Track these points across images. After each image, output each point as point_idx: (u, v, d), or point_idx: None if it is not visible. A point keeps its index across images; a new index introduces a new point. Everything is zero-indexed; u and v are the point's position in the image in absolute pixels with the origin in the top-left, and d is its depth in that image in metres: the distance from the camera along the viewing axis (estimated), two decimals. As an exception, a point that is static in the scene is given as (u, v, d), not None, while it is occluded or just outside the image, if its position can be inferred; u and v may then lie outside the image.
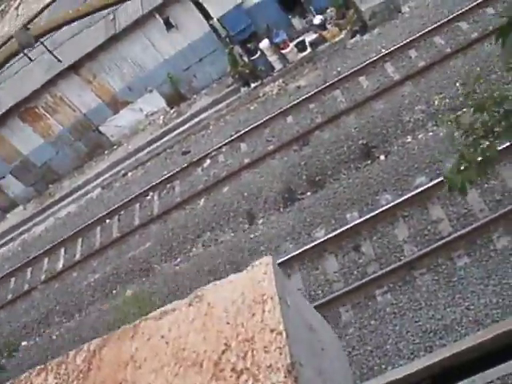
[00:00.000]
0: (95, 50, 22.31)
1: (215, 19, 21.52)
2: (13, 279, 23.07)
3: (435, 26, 18.88)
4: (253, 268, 1.68)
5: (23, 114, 23.94)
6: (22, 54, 9.79)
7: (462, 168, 6.62)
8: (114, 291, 18.84)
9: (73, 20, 5.88)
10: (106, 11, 21.19)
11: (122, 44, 22.33)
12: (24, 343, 19.77)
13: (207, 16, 21.65)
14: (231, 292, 1.64)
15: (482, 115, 6.85)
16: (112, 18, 22.47)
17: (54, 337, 19.04)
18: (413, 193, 14.28)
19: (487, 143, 6.69)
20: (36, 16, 5.87)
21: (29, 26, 5.16)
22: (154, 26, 22.01)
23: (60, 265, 21.73)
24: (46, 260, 22.54)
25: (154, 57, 23.03)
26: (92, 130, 24.90)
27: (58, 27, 5.40)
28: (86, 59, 22.60)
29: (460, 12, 18.74)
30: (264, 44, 21.32)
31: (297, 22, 22.31)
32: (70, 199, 24.94)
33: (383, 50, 19.43)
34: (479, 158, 6.59)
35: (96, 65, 23.07)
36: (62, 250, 22.29)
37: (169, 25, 21.95)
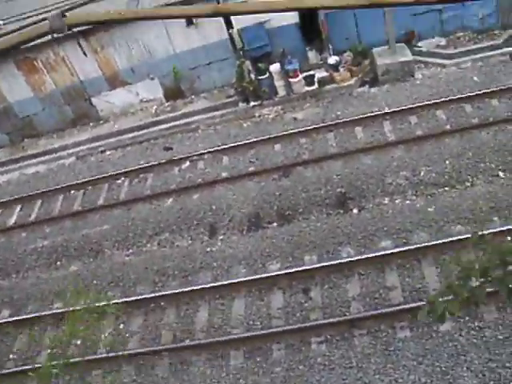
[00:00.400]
0: (111, 22, 22.13)
1: (235, 29, 21.56)
2: (-41, 220, 22.60)
3: (442, 100, 19.16)
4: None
5: (20, 62, 23.60)
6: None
7: (446, 298, 6.67)
8: (59, 263, 18.54)
9: (112, 21, 5.82)
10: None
11: (138, 25, 22.14)
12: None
13: (229, 24, 21.68)
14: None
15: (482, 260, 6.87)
16: (136, -2, 22.35)
17: (-17, 291, 18.67)
18: (375, 254, 14.38)
19: (478, 283, 6.71)
20: (77, 6, 5.82)
21: (66, 14, 5.10)
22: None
23: (12, 221, 21.33)
24: (-1, 211, 22.16)
25: (165, 47, 22.96)
26: (84, 98, 24.66)
27: (94, 23, 5.35)
28: (98, 29, 22.38)
29: (468, 95, 19.06)
30: (275, 67, 21.38)
31: (312, 56, 22.45)
32: (41, 159, 24.53)
33: (386, 108, 19.62)
34: (466, 295, 6.60)
35: (107, 37, 22.89)
36: (18, 207, 21.88)
37: (190, 21, 21.92)
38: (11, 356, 15.86)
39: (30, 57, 23.27)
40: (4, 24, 21.55)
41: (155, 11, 6.57)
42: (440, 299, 6.65)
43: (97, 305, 6.88)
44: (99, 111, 24.89)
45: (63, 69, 23.88)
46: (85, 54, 23.15)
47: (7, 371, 14.81)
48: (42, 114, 25.19)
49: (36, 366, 12.96)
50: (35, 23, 5.80)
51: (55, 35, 5.42)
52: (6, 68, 23.32)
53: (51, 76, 24.11)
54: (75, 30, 21.62)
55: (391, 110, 19.42)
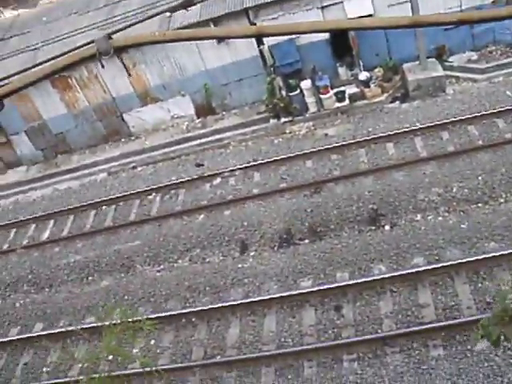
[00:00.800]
0: (154, 44, 22.34)
1: (266, 46, 21.66)
2: (-5, 235, 23.01)
3: (474, 115, 19.00)
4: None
5: (55, 80, 23.98)
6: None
7: (502, 321, 6.48)
8: (90, 278, 18.74)
9: (156, 42, 5.89)
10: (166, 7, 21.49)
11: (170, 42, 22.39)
12: (-14, 301, 19.67)
13: (259, 41, 21.80)
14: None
15: None
16: (169, 15, 22.62)
17: (18, 304, 18.91)
18: (407, 271, 14.26)
19: None
20: (122, 29, 5.94)
21: (112, 36, 5.21)
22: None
23: (45, 236, 21.65)
24: (32, 226, 22.46)
25: (196, 64, 23.17)
26: (116, 115, 24.97)
27: (139, 45, 5.45)
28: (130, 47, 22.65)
29: (500, 110, 18.89)
30: (306, 84, 21.42)
31: (343, 72, 22.45)
32: (74, 175, 24.91)
33: (417, 124, 19.52)
34: None
35: (139, 54, 23.18)
36: (52, 222, 22.22)
37: (221, 38, 22.08)
38: (45, 369, 16.05)
39: (64, 75, 23.62)
40: (42, 46, 22.02)
41: (197, 32, 6.62)
42: (494, 323, 6.47)
43: (132, 320, 6.94)
44: (131, 127, 25.16)
45: (96, 86, 24.24)
46: (129, 74, 23.45)
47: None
48: (74, 131, 25.56)
49: (73, 379, 13.09)
50: (81, 46, 5.93)
51: (102, 57, 5.53)
52: (41, 86, 23.65)
53: (84, 93, 24.48)
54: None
55: (422, 126, 19.32)
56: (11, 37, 26.83)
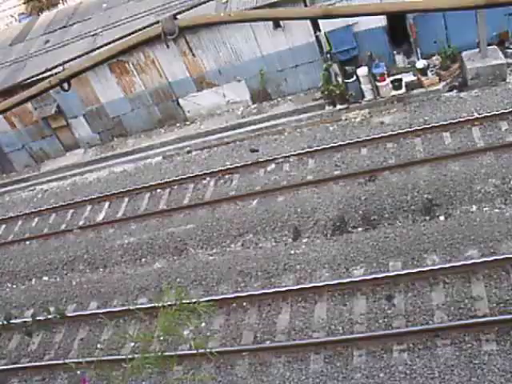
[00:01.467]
0: (220, 24, 22.39)
1: (323, 32, 21.54)
2: (53, 215, 23.64)
3: (535, 106, 18.56)
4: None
5: (113, 65, 24.39)
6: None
7: None
8: (143, 260, 19.12)
9: (222, 22, 5.95)
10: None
11: (226, 28, 22.50)
12: (45, 278, 20.28)
13: (316, 27, 21.69)
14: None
15: None
16: (225, 1, 22.71)
17: (74, 283, 19.49)
18: (461, 262, 14.09)
19: None
20: (188, 9, 5.99)
21: (177, 17, 5.29)
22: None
23: (100, 217, 22.16)
24: (88, 208, 23.01)
25: (252, 50, 23.20)
26: (171, 99, 25.25)
27: (204, 25, 5.50)
28: (187, 31, 22.82)
29: None
30: (362, 71, 21.24)
31: (400, 60, 22.17)
32: (129, 158, 25.34)
33: (475, 114, 19.16)
34: None
35: (195, 40, 23.33)
36: (107, 204, 22.73)
37: (277, 24, 22.08)
38: (99, 345, 16.50)
39: (122, 60, 24.00)
40: (102, 32, 22.38)
41: (262, 13, 6.63)
42: None
43: (187, 301, 7.08)
44: (186, 112, 25.41)
45: (153, 71, 24.53)
46: (193, 54, 23.57)
47: (96, 359, 15.37)
48: (131, 115, 25.97)
49: (129, 357, 13.39)
50: (147, 26, 6.05)
51: (168, 37, 5.63)
52: (100, 71, 24.12)
53: (141, 77, 24.82)
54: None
55: (481, 116, 18.93)
56: (73, 24, 27.38)
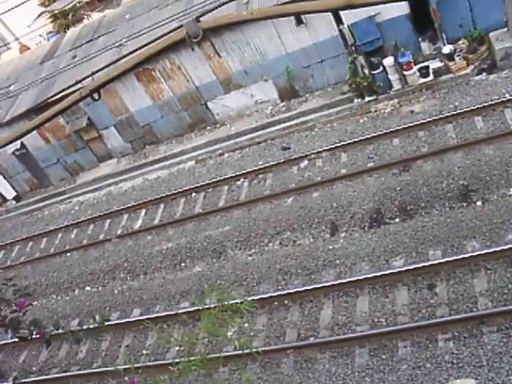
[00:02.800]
0: (221, 28, 22.46)
1: (346, 25, 21.44)
2: (91, 226, 24.01)
3: None
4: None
5: (140, 73, 24.65)
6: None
7: None
8: (183, 264, 19.26)
9: (245, 21, 5.99)
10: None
11: (249, 28, 22.55)
12: (88, 288, 20.60)
13: (339, 20, 21.60)
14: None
15: None
16: (246, 1, 22.75)
17: (116, 291, 19.75)
18: (502, 247, 13.89)
19: None
20: (211, 11, 6.05)
21: (200, 19, 5.35)
22: (284, 18, 22.04)
23: (138, 224, 22.41)
24: (125, 216, 23.31)
25: (277, 48, 23.20)
26: (200, 103, 25.39)
27: (227, 25, 5.56)
28: (211, 34, 22.94)
29: None
30: (388, 61, 21.10)
31: (425, 47, 21.95)
32: (162, 164, 25.58)
33: (507, 95, 18.84)
34: None
35: (219, 42, 23.42)
36: (143, 212, 22.99)
37: (299, 20, 22.04)
38: (144, 351, 16.68)
39: (148, 68, 24.24)
40: (127, 42, 22.60)
41: (284, 8, 6.65)
42: None
43: (230, 302, 7.12)
44: (215, 115, 25.53)
45: (179, 76, 24.71)
46: (219, 55, 23.66)
47: (143, 364, 15.55)
48: (160, 121, 26.21)
49: (175, 360, 13.51)
50: (171, 31, 6.13)
51: (193, 40, 5.70)
52: (127, 80, 24.40)
53: (168, 84, 25.01)
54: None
55: (512, 97, 18.66)
56: (99, 37, 27.73)
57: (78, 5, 37.82)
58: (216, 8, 6.22)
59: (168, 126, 26.27)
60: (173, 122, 26.17)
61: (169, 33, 6.04)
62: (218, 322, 7.01)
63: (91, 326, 8.62)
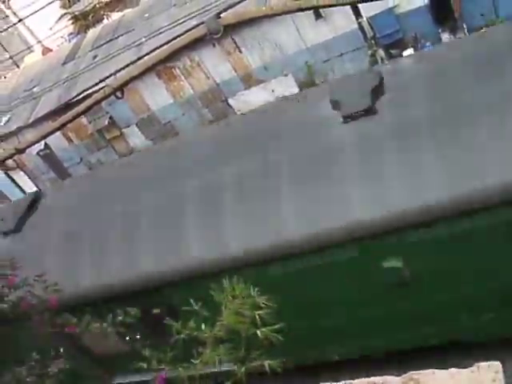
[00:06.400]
0: (241, 23, 22.43)
1: (365, 18, 21.40)
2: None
3: None
4: (479, 369, 1.52)
5: (160, 71, 24.77)
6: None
7: None
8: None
9: (264, 16, 6.08)
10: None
11: (268, 23, 22.52)
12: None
13: (357, 13, 21.56)
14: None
15: None
16: (265, -3, 22.78)
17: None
18: None
19: None
20: (230, 7, 6.13)
21: (220, 16, 5.43)
22: (303, 12, 22.03)
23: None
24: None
25: (296, 42, 23.20)
26: (221, 100, 25.47)
27: (248, 21, 5.63)
28: (230, 31, 22.96)
29: None
30: (408, 53, 21.00)
31: (446, 38, 21.78)
32: (184, 162, 25.61)
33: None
34: None
35: (238, 38, 23.45)
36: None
37: (318, 14, 22.02)
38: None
39: (169, 65, 24.35)
40: (146, 40, 22.77)
41: (303, 2, 6.72)
42: None
43: None
44: (236, 111, 25.58)
45: (199, 73, 24.80)
46: (239, 50, 23.67)
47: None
48: (182, 119, 26.31)
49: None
50: (192, 28, 6.22)
51: (214, 36, 5.79)
52: (148, 78, 24.53)
53: (189, 81, 25.12)
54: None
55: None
56: (118, 36, 27.93)
57: (97, 5, 38.12)
58: (236, 4, 6.29)
59: (190, 123, 26.36)
60: (194, 120, 26.26)
61: (189, 30, 6.12)
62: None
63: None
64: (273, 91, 24.61)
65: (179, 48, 6.16)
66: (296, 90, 24.29)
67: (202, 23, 5.87)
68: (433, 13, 21.37)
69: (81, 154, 28.25)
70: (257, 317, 6.33)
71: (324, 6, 6.40)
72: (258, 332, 6.37)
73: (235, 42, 23.40)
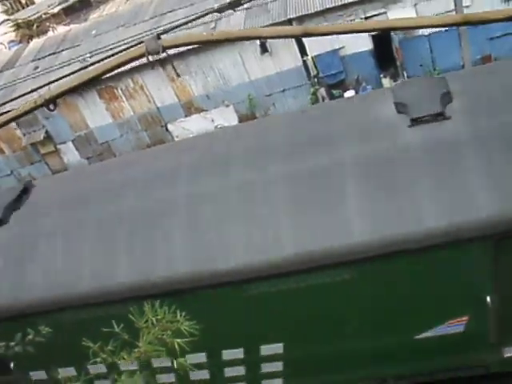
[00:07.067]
0: (187, 51, 22.36)
1: (310, 56, 21.73)
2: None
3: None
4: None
5: (102, 90, 24.49)
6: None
7: None
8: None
9: (206, 41, 6.02)
10: (208, 18, 21.75)
11: (213, 53, 22.67)
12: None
13: (303, 51, 21.88)
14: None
15: None
16: (213, 27, 22.89)
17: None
18: None
19: None
20: (171, 29, 6.05)
21: (161, 37, 5.36)
22: (249, 46, 22.24)
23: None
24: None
25: (240, 74, 23.34)
26: (160, 125, 25.30)
27: (187, 44, 5.56)
28: (175, 57, 22.92)
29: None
30: (349, 94, 21.41)
31: (386, 82, 22.33)
32: (118, 184, 25.21)
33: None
34: None
35: (183, 65, 23.40)
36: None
37: (264, 48, 22.25)
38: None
39: (111, 85, 24.11)
40: (91, 57, 22.51)
41: (245, 32, 6.74)
42: None
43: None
44: (175, 137, 25.45)
45: (141, 96, 24.62)
46: (178, 75, 23.53)
47: None
48: (119, 140, 25.99)
49: None
50: (131, 47, 6.09)
51: (150, 58, 5.67)
52: (89, 96, 24.24)
53: (130, 103, 24.89)
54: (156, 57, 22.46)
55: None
56: (62, 50, 27.53)
57: (43, 16, 37.41)
58: (178, 26, 6.25)
59: (127, 145, 26.03)
60: (131, 142, 25.96)
61: (129, 48, 6.03)
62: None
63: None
64: (213, 121, 24.61)
65: (117, 65, 6.01)
66: (236, 121, 24.36)
67: (142, 42, 5.76)
68: (376, 58, 21.92)
69: (11, 167, 27.47)
70: (176, 345, 5.91)
71: (267, 37, 6.42)
72: (175, 362, 6.00)
73: (174, 68, 23.28)
